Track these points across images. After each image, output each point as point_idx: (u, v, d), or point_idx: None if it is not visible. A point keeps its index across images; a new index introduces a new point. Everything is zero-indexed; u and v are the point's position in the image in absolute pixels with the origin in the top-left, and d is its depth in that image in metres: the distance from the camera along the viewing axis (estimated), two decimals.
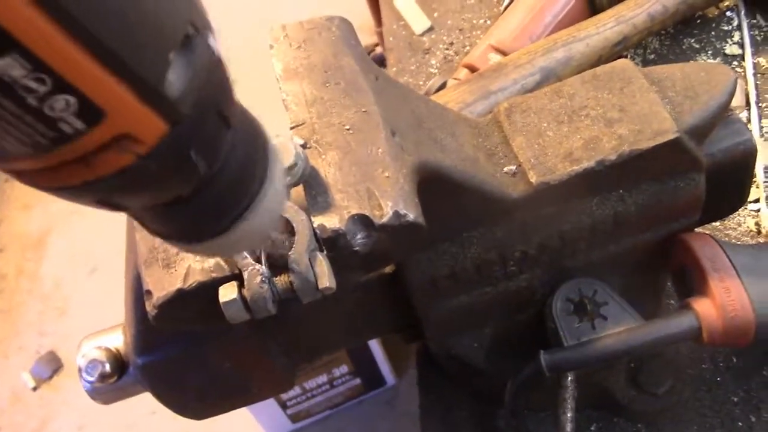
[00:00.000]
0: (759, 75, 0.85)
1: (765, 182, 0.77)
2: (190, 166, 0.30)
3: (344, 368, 1.80)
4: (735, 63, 0.88)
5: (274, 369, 0.60)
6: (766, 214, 0.75)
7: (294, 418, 1.89)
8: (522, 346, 0.62)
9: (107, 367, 0.60)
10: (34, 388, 2.11)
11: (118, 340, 0.61)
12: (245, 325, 0.52)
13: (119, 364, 0.60)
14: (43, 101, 0.24)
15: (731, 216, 0.75)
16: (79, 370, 0.60)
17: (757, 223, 0.75)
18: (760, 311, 0.56)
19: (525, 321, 0.63)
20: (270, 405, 1.81)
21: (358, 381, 1.85)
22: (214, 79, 0.30)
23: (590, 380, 0.63)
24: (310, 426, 1.90)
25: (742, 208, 0.75)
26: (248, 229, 0.36)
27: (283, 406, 1.83)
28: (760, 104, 0.83)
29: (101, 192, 0.29)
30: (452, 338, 0.64)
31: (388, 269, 0.58)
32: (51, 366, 2.12)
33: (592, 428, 0.66)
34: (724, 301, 0.56)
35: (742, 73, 0.86)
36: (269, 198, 0.37)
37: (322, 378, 1.81)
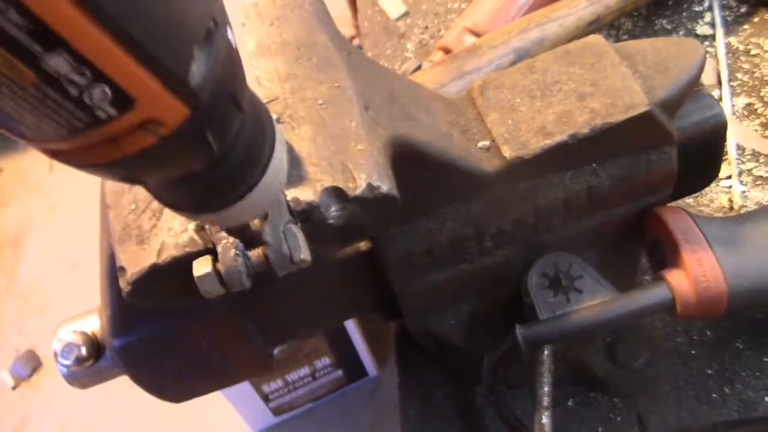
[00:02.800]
0: (730, 54, 0.86)
1: (737, 159, 0.78)
2: (205, 145, 0.33)
3: (326, 360, 1.80)
4: (707, 43, 0.88)
5: (252, 349, 0.60)
6: (738, 190, 0.76)
7: (276, 411, 1.88)
8: (499, 323, 0.62)
9: (83, 351, 0.59)
10: (14, 387, 2.10)
11: (94, 324, 0.61)
12: (221, 304, 0.52)
13: (95, 347, 0.60)
14: (83, 91, 0.27)
15: (704, 193, 0.76)
16: (55, 354, 0.60)
17: (729, 200, 0.76)
18: (732, 283, 0.57)
19: (501, 297, 0.64)
20: (252, 398, 1.81)
21: (340, 373, 1.85)
22: (230, 68, 0.33)
23: (567, 356, 0.63)
24: (293, 419, 1.90)
25: (715, 184, 0.76)
26: (256, 199, 0.39)
27: (266, 399, 1.82)
28: (731, 83, 0.84)
29: (126, 168, 0.32)
30: (429, 316, 0.65)
31: (364, 246, 0.58)
32: (30, 364, 2.11)
33: (569, 403, 0.67)
34: (696, 272, 0.57)
35: (714, 53, 0.87)
36: (273, 172, 0.40)
37: (305, 370, 1.81)
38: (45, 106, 0.27)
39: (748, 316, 0.67)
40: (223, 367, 0.60)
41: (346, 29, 2.09)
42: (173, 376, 0.59)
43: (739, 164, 0.77)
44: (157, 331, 0.55)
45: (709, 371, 0.66)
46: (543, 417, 0.58)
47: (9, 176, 2.46)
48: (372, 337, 1.80)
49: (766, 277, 0.58)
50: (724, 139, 0.63)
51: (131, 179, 0.37)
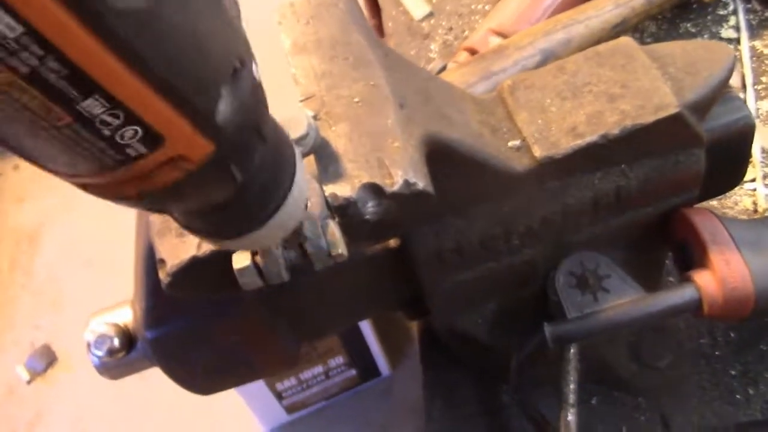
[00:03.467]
0: (755, 58, 0.87)
1: (761, 162, 0.78)
2: (229, 177, 0.34)
3: (340, 359, 1.80)
4: (732, 47, 0.89)
5: (280, 345, 0.60)
6: (763, 193, 0.76)
7: (289, 409, 1.89)
8: (525, 321, 0.63)
9: (115, 342, 0.60)
10: (29, 382, 2.11)
11: (126, 316, 0.61)
12: (254, 298, 0.53)
13: (127, 339, 0.61)
14: (116, 131, 0.27)
15: (728, 195, 0.76)
16: (88, 345, 0.61)
17: (754, 202, 0.76)
18: (759, 283, 0.57)
19: (528, 296, 0.64)
20: (265, 396, 1.81)
21: (353, 372, 1.85)
22: (254, 102, 0.34)
23: (592, 355, 0.64)
24: (306, 417, 1.90)
25: (739, 187, 0.77)
26: (278, 224, 0.40)
27: (279, 396, 1.83)
28: (756, 86, 0.84)
29: (153, 201, 0.33)
30: (456, 314, 0.65)
31: (394, 243, 0.59)
32: (45, 359, 2.12)
33: (593, 401, 0.67)
34: (724, 273, 0.57)
35: (738, 57, 0.87)
36: (295, 197, 0.41)
37: (318, 369, 1.81)
38: (78, 145, 0.28)
39: None
40: (251, 361, 0.61)
41: None
42: (203, 369, 0.60)
43: (763, 167, 0.78)
44: (189, 324, 0.56)
45: (733, 372, 0.66)
46: (569, 414, 0.59)
47: (26, 173, 2.47)
48: (385, 337, 1.80)
49: None
50: (752, 142, 0.63)
51: (157, 209, 0.38)
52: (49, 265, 2.31)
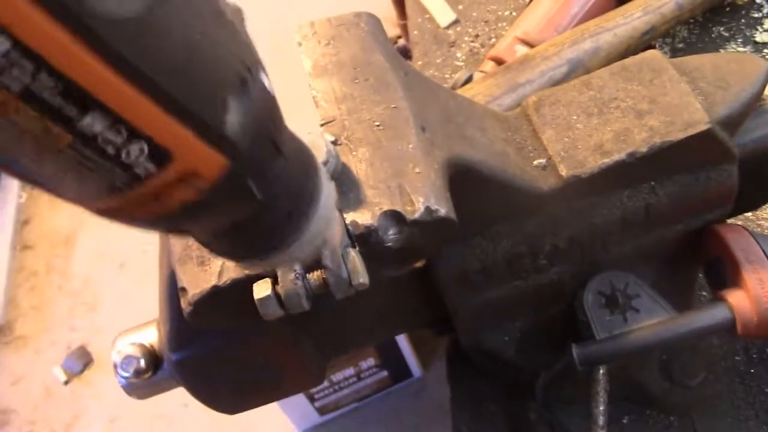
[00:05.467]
0: None
1: None
2: (248, 193, 0.33)
3: (371, 361, 1.80)
4: (766, 51, 0.87)
5: (306, 364, 0.60)
6: None
7: (322, 411, 1.90)
8: (553, 340, 0.62)
9: (142, 363, 0.61)
10: (66, 383, 2.14)
11: (152, 336, 0.62)
12: (278, 321, 0.53)
13: (153, 359, 0.61)
14: (120, 150, 0.26)
15: (764, 207, 0.74)
16: (115, 366, 0.61)
17: None
18: None
19: (556, 314, 0.63)
20: (298, 397, 1.82)
21: (385, 373, 1.85)
22: (267, 113, 0.33)
23: (623, 372, 0.63)
24: (338, 418, 1.91)
25: None
26: (304, 242, 0.40)
27: (311, 398, 1.84)
28: None
29: (170, 222, 0.32)
30: (483, 332, 0.64)
31: (419, 264, 0.59)
32: (82, 360, 2.15)
33: (625, 420, 0.66)
34: (758, 292, 0.56)
35: None
36: (321, 213, 0.40)
37: (350, 371, 1.82)
38: (83, 166, 0.27)
39: None
40: (277, 381, 0.61)
41: (391, 28, 2.09)
42: (229, 390, 0.60)
43: None
44: (214, 346, 0.56)
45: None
46: None
47: None
48: (417, 339, 1.80)
49: None
50: None
51: (177, 231, 0.36)
52: (85, 268, 2.34)
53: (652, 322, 0.57)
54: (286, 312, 0.46)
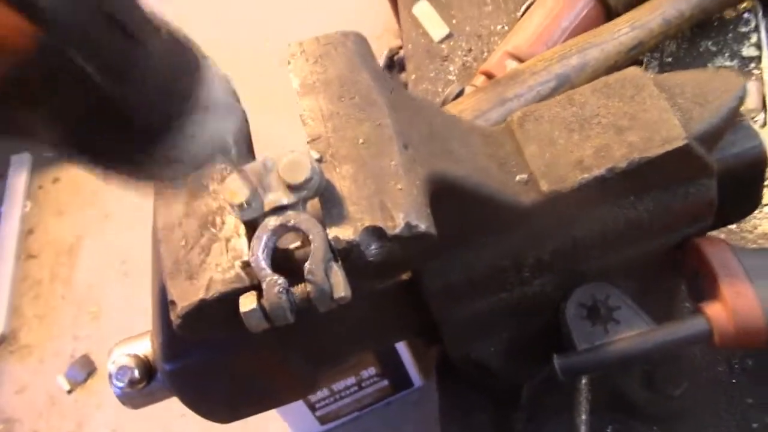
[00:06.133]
0: None
1: None
2: (77, 74, 0.30)
3: (372, 370, 1.81)
4: (753, 65, 0.88)
5: (296, 374, 0.62)
6: None
7: (323, 420, 1.91)
8: (538, 351, 0.63)
9: (136, 374, 0.62)
10: (69, 392, 2.16)
11: (146, 347, 0.63)
12: (265, 333, 0.54)
13: (148, 370, 0.63)
14: None
15: (747, 219, 0.76)
16: (110, 376, 0.63)
17: None
18: None
19: (540, 325, 0.64)
20: (299, 406, 1.83)
21: (385, 383, 1.86)
22: None
23: (605, 383, 0.64)
24: (339, 427, 1.92)
25: (758, 210, 0.76)
26: (187, 143, 0.37)
27: (312, 408, 1.85)
28: None
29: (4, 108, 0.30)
30: (469, 343, 0.66)
31: (405, 275, 0.60)
32: (85, 369, 2.16)
33: (608, 430, 0.67)
34: (735, 305, 0.57)
35: (760, 75, 0.86)
36: (203, 117, 0.38)
37: (351, 380, 1.83)
38: None
39: None
40: (268, 390, 0.62)
41: (393, 39, 2.11)
42: (221, 399, 0.62)
43: None
44: (205, 357, 0.58)
45: (750, 400, 0.66)
46: None
47: (66, 185, 2.53)
48: (417, 348, 1.81)
49: None
50: (765, 170, 0.63)
51: (21, 129, 0.33)
52: (88, 276, 2.36)
53: (632, 333, 0.59)
54: (271, 324, 0.48)
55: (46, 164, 2.57)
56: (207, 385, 0.60)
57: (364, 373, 1.82)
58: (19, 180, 2.55)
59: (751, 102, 0.84)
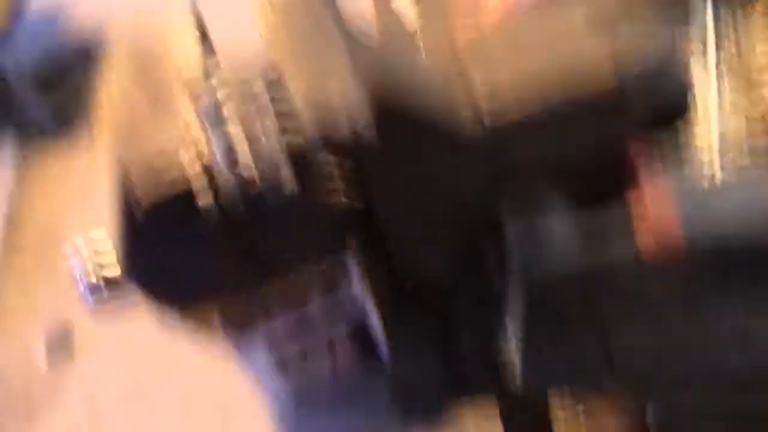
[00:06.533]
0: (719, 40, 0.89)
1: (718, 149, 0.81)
2: None
3: (343, 335, 1.84)
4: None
5: (241, 268, 0.65)
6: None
7: (299, 391, 1.92)
8: (481, 262, 0.68)
9: (101, 271, 0.66)
10: (47, 363, 2.17)
11: (108, 244, 0.67)
12: (217, 229, 0.59)
13: (113, 266, 0.66)
14: None
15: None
16: (74, 271, 0.66)
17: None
18: (688, 228, 0.62)
19: (483, 234, 0.68)
20: (275, 377, 1.85)
21: (358, 348, 1.88)
22: None
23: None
24: (315, 398, 1.94)
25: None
26: None
27: (284, 371, 1.87)
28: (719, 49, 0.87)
29: None
30: (416, 255, 0.70)
31: (354, 197, 0.64)
32: (63, 341, 2.18)
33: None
34: (657, 217, 0.62)
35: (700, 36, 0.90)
36: None
37: (323, 349, 1.85)
38: None
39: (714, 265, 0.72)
40: (219, 282, 0.66)
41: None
42: (176, 289, 0.64)
43: (719, 154, 0.80)
44: (162, 250, 0.61)
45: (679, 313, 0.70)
46: (512, 345, 0.64)
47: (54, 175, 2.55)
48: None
49: (720, 226, 0.63)
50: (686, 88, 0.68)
51: None
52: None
53: (564, 230, 0.64)
54: (225, 215, 0.53)
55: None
56: (163, 275, 0.63)
57: (336, 339, 1.85)
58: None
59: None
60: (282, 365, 1.81)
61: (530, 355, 0.66)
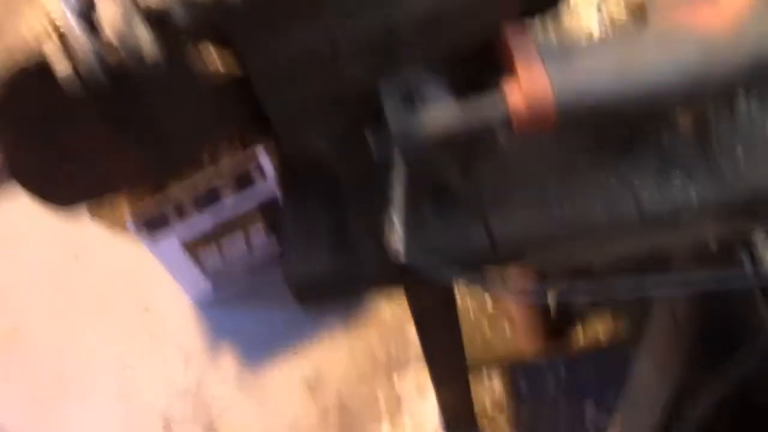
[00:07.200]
0: None
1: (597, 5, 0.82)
2: None
3: (261, 230, 1.87)
4: None
5: (132, 160, 0.65)
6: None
7: (215, 284, 1.95)
8: (363, 137, 0.69)
9: None
10: None
11: None
12: (93, 112, 0.58)
13: None
14: None
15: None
16: None
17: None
18: (560, 95, 0.64)
19: (364, 112, 0.69)
20: (191, 270, 1.87)
21: (275, 241, 1.91)
22: None
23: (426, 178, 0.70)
24: (231, 289, 1.97)
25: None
26: None
27: (203, 270, 1.89)
28: None
29: None
30: (302, 135, 0.71)
31: (235, 69, 0.63)
32: None
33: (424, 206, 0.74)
34: (527, 84, 0.63)
35: None
36: None
37: (240, 242, 1.88)
38: None
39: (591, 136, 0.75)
40: (106, 172, 0.66)
41: None
42: (57, 179, 0.64)
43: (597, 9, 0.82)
44: (35, 135, 0.60)
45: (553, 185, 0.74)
46: (394, 216, 0.66)
47: None
48: None
49: (592, 92, 0.65)
50: None
51: None
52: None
53: (440, 112, 0.65)
54: (87, 87, 0.51)
55: None
56: (41, 165, 0.63)
57: (252, 229, 1.87)
58: None
59: None
60: (203, 269, 1.82)
61: (413, 230, 0.68)
